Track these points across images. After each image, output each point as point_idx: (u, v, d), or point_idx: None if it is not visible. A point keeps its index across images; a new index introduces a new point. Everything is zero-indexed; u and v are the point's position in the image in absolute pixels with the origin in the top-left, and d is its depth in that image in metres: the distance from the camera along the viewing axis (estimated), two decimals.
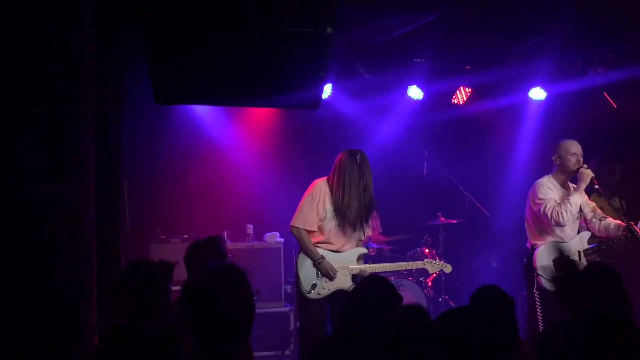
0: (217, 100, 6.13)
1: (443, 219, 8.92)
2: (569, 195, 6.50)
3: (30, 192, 3.69)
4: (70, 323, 3.81)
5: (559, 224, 6.42)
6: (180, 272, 4.46)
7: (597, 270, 4.63)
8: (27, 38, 3.68)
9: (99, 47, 4.27)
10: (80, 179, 3.87)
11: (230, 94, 5.13)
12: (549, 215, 6.41)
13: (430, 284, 8.62)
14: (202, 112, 8.95)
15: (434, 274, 8.49)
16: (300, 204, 6.30)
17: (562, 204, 6.38)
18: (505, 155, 9.98)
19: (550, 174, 6.67)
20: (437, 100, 9.52)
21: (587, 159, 6.74)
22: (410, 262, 7.29)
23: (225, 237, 8.49)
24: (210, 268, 3.15)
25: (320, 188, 6.27)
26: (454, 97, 9.57)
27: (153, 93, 4.69)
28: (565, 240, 6.52)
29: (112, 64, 4.72)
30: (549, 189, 6.54)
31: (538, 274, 6.41)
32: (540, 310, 6.33)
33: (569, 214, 6.37)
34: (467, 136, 10.12)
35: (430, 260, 7.06)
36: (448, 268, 7.05)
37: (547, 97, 9.24)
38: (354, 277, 6.30)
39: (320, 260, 6.19)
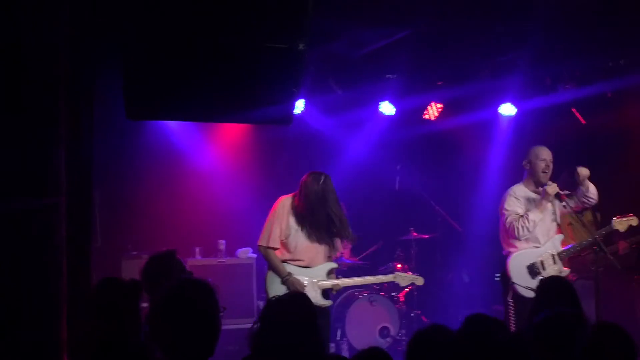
0: (189, 116, 6.12)
1: (415, 233, 8.95)
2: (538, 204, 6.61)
3: (0, 207, 3.65)
4: (40, 339, 3.76)
5: (515, 238, 6.55)
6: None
7: (551, 284, 4.76)
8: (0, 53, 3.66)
9: (72, 61, 4.24)
10: (51, 193, 3.84)
11: (202, 109, 5.11)
12: (507, 227, 6.56)
13: (402, 299, 8.63)
14: (175, 127, 8.92)
15: (407, 289, 8.52)
16: (266, 222, 6.33)
17: (521, 219, 6.50)
18: (476, 170, 10.06)
19: (521, 182, 6.78)
20: (409, 115, 9.58)
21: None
22: (381, 276, 7.30)
23: (197, 253, 8.47)
24: (175, 283, 3.15)
25: (283, 205, 6.31)
26: (425, 112, 9.64)
27: (125, 109, 4.66)
28: (538, 245, 6.59)
29: (84, 79, 4.69)
30: (515, 199, 6.65)
31: (513, 282, 6.47)
32: (513, 318, 6.37)
33: (525, 230, 6.49)
34: (438, 151, 10.18)
35: (400, 274, 7.05)
36: (420, 280, 7.05)
37: (517, 113, 9.35)
38: (324, 292, 6.31)
39: (288, 276, 6.20)
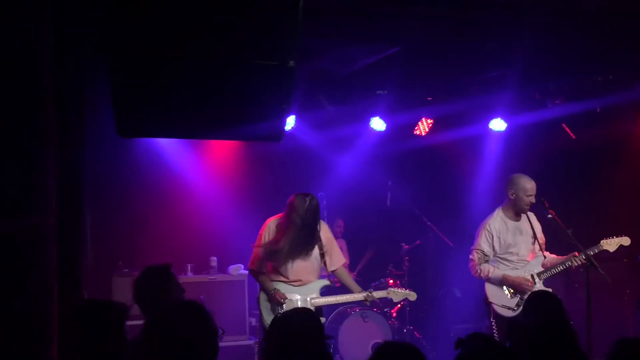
0: (180, 133, 6.12)
1: (407, 248, 8.94)
2: (520, 226, 6.67)
3: None
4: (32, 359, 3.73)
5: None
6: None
7: (539, 297, 4.79)
8: None
9: (60, 80, 4.23)
10: (40, 213, 3.81)
11: (193, 126, 5.11)
12: (470, 261, 6.70)
13: (395, 314, 8.62)
14: (165, 145, 8.92)
15: (399, 305, 8.50)
16: (254, 246, 6.35)
17: (483, 266, 6.60)
18: (467, 186, 10.07)
19: (501, 207, 6.77)
20: (400, 131, 9.60)
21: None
22: (374, 292, 7.28)
23: (189, 270, 8.44)
24: (174, 304, 3.12)
25: (269, 228, 6.35)
26: (416, 128, 9.67)
27: (115, 126, 4.66)
28: (517, 267, 6.62)
29: (74, 97, 4.68)
30: (488, 234, 6.66)
31: (490, 302, 6.53)
32: (497, 338, 6.38)
33: (476, 275, 6.65)
34: (429, 167, 10.20)
35: (393, 289, 7.05)
36: (413, 296, 7.05)
37: (507, 128, 9.38)
38: (317, 309, 6.30)
39: (273, 292, 6.21)
